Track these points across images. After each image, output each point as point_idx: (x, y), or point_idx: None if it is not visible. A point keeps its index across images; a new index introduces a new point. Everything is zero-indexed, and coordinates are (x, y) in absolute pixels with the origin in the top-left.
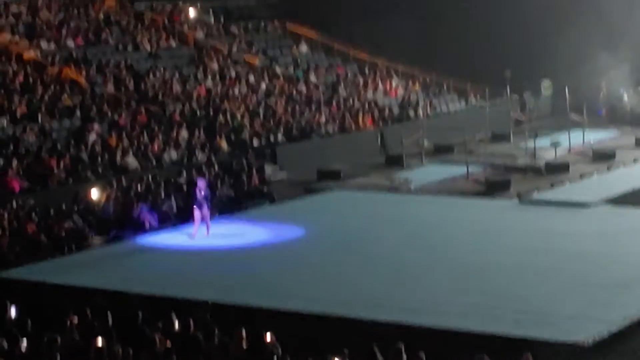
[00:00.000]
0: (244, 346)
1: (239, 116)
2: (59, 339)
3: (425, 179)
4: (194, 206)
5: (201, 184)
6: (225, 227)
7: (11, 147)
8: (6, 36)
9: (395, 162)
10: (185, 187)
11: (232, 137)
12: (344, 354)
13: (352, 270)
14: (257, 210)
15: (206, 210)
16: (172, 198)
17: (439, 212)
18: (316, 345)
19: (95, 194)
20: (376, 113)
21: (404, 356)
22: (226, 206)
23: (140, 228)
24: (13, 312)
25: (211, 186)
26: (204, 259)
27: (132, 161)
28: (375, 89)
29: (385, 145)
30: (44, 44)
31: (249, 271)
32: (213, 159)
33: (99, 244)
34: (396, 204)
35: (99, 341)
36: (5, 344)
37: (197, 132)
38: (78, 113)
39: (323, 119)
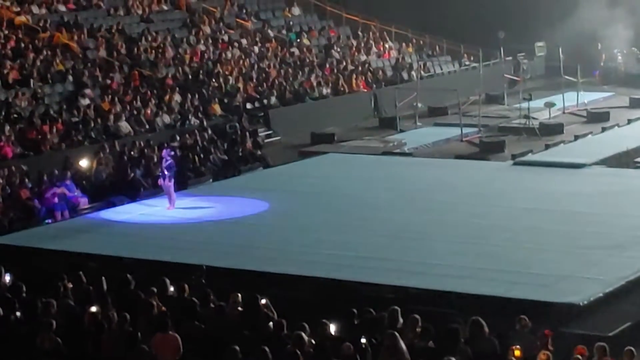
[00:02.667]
0: (239, 310)
1: (232, 80)
2: (54, 305)
3: (419, 141)
4: (159, 177)
5: (164, 154)
6: (215, 197)
7: (3, 112)
8: None
9: (389, 124)
10: (179, 151)
11: (225, 101)
12: (340, 318)
13: (347, 233)
14: (251, 175)
15: (169, 182)
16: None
17: (434, 174)
18: (311, 309)
19: (84, 162)
20: (369, 75)
21: (400, 319)
22: (220, 170)
23: (134, 192)
24: (7, 278)
25: (176, 158)
26: (195, 228)
27: (124, 126)
28: (369, 51)
29: (379, 108)
30: (35, 9)
31: (243, 237)
32: (206, 123)
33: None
34: (390, 167)
35: (94, 307)
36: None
37: (190, 96)
38: (70, 78)
39: (316, 82)
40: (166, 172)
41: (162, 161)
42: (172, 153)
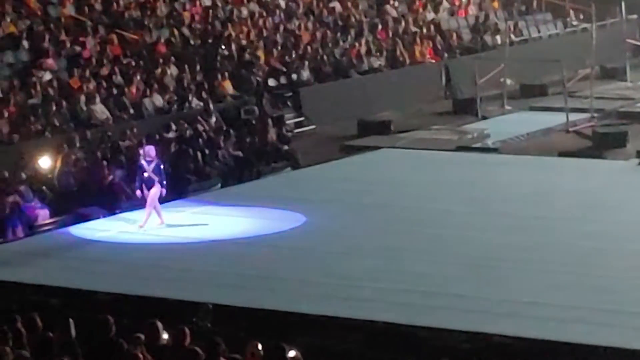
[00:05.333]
0: None
1: (248, 46)
2: (4, 355)
3: (509, 131)
4: (138, 184)
5: (148, 152)
6: (224, 207)
7: None
8: None
9: (466, 108)
10: (174, 146)
11: (240, 75)
12: None
13: (406, 259)
14: (274, 178)
15: (156, 190)
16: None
17: (528, 178)
18: None
19: (45, 161)
20: (439, 41)
21: None
22: (232, 172)
23: (113, 202)
24: None
25: (165, 156)
26: (197, 251)
27: (100, 110)
28: (438, 6)
29: (452, 86)
30: None
31: (264, 264)
32: (213, 106)
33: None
34: (468, 168)
35: None
36: None
37: (190, 69)
38: (25, 44)
39: (365, 50)
40: (155, 178)
41: (144, 162)
42: (154, 152)
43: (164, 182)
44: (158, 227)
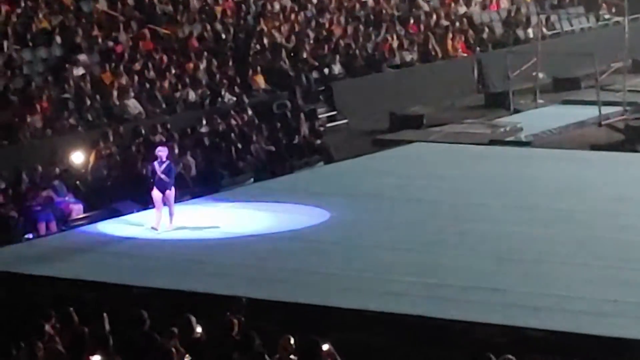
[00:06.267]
0: (292, 359)
1: (280, 41)
2: (37, 350)
3: (541, 125)
4: (152, 185)
5: (161, 152)
6: (257, 203)
7: None
8: None
9: (498, 102)
10: (207, 140)
11: (272, 70)
12: None
13: (438, 253)
14: (307, 172)
15: (169, 192)
16: (189, 155)
17: (560, 171)
18: (389, 356)
19: (78, 156)
20: (471, 34)
21: None
22: (265, 166)
23: (146, 197)
24: None
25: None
26: (230, 246)
27: (133, 105)
28: (470, 0)
29: (485, 79)
30: None
31: (296, 258)
32: (245, 100)
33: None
34: (500, 161)
35: (96, 356)
36: None
37: (222, 64)
38: (58, 39)
39: (397, 44)
40: (166, 178)
41: (155, 164)
42: (167, 151)
43: (172, 184)
44: (151, 230)
